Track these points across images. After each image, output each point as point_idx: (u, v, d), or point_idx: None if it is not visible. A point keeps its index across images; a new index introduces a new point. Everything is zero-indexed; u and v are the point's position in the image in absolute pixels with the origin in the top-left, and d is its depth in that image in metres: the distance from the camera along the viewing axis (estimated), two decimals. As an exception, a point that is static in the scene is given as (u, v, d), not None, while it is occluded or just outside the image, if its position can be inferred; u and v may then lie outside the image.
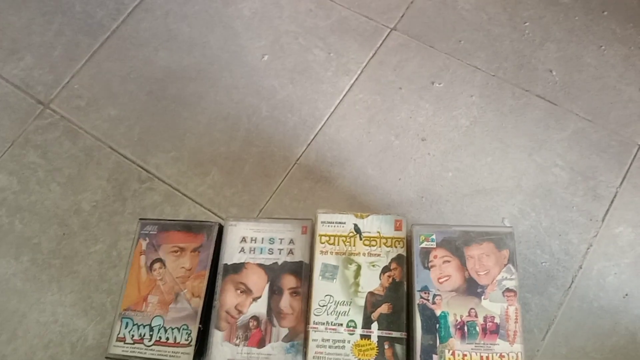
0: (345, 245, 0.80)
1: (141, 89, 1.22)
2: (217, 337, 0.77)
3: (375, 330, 0.75)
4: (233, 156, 1.14)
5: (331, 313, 0.76)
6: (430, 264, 0.77)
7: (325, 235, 0.81)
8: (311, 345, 0.75)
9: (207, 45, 1.26)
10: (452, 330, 0.73)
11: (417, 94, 1.16)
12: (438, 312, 0.74)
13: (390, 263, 0.78)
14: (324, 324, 0.76)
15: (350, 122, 1.15)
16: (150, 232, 0.86)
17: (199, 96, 1.21)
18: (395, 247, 0.79)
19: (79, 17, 1.32)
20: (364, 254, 0.79)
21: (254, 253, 0.81)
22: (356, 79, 1.19)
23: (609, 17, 1.21)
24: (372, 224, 0.81)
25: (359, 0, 1.27)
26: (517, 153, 1.10)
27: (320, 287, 0.78)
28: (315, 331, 0.75)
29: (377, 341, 0.74)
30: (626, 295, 0.98)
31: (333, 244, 0.80)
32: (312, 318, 0.77)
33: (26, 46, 1.29)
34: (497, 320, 0.74)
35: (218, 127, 1.17)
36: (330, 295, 0.77)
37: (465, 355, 0.72)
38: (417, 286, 0.76)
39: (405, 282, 0.78)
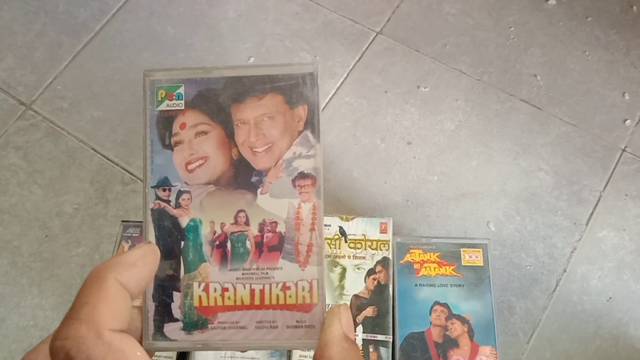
0: (331, 247, 0.79)
1: (125, 91, 1.21)
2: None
3: (360, 334, 0.74)
4: (218, 159, 1.13)
5: None
6: (174, 140, 0.41)
7: None
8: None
9: (192, 47, 1.25)
10: (206, 249, 0.40)
11: (403, 98, 1.17)
12: (184, 222, 0.40)
13: (375, 266, 0.78)
14: None
15: (336, 125, 1.15)
16: (133, 235, 0.84)
17: (184, 98, 1.19)
18: (381, 249, 0.79)
19: (62, 18, 1.30)
20: (349, 257, 0.78)
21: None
22: (342, 82, 1.19)
23: (593, 23, 1.22)
24: (358, 227, 0.80)
25: (345, 3, 1.27)
26: (502, 157, 1.10)
27: None
28: None
29: (362, 344, 0.74)
30: (610, 298, 0.98)
31: None
32: None
33: (8, 46, 1.27)
34: (280, 229, 0.40)
35: (203, 129, 1.16)
36: None
37: (227, 289, 0.39)
38: (151, 179, 0.39)
39: (390, 285, 0.77)
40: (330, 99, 1.18)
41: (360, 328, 0.75)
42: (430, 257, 0.79)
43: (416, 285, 0.77)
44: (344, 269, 0.78)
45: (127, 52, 1.25)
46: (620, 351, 0.95)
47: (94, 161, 1.14)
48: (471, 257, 0.78)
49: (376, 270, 0.77)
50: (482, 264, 0.78)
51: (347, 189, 1.08)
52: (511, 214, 1.05)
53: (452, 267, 0.78)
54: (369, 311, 0.75)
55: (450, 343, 0.74)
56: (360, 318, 0.75)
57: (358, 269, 0.78)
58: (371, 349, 0.73)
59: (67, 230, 1.08)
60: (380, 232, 0.80)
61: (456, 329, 0.74)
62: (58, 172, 1.13)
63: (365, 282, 0.77)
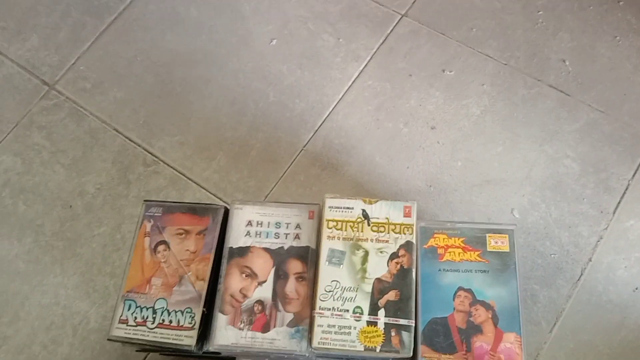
0: (353, 231, 0.78)
1: (147, 72, 1.21)
2: (221, 320, 0.76)
3: (382, 317, 0.74)
4: (239, 141, 1.12)
5: (337, 299, 0.75)
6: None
7: (332, 221, 0.80)
8: (317, 331, 0.73)
9: (215, 29, 1.25)
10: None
11: (427, 82, 1.15)
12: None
13: (398, 250, 0.77)
14: (330, 309, 0.75)
15: (359, 109, 1.13)
16: (155, 214, 0.84)
17: (206, 80, 1.19)
18: (404, 233, 0.78)
19: (85, -1, 1.30)
20: (371, 240, 0.78)
21: (260, 237, 0.80)
22: (365, 65, 1.18)
23: (625, 7, 1.19)
24: (381, 210, 0.79)
25: (369, -15, 1.26)
26: (528, 143, 1.08)
27: (327, 273, 0.77)
28: (321, 317, 0.73)
29: (384, 328, 0.73)
30: (636, 289, 0.96)
31: (340, 229, 0.78)
32: (318, 303, 0.75)
33: (32, 27, 1.28)
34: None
35: (224, 111, 1.16)
36: (337, 281, 0.75)
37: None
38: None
39: (414, 270, 0.76)
40: (354, 82, 1.16)
41: (382, 312, 0.74)
42: (455, 242, 0.77)
43: (440, 270, 0.76)
44: (367, 252, 0.77)
45: (150, 34, 1.25)
46: (646, 342, 0.93)
47: (117, 142, 1.14)
48: (497, 243, 0.77)
49: (399, 255, 0.76)
50: (508, 250, 0.76)
51: (368, 174, 1.07)
52: (536, 202, 1.03)
53: (477, 253, 0.76)
54: (391, 295, 0.74)
55: (474, 329, 0.73)
56: (382, 302, 0.75)
57: (381, 252, 0.77)
58: (393, 333, 0.73)
59: (89, 210, 1.08)
60: (404, 216, 0.79)
61: (480, 314, 0.73)
62: (81, 152, 1.14)
63: (387, 265, 0.76)
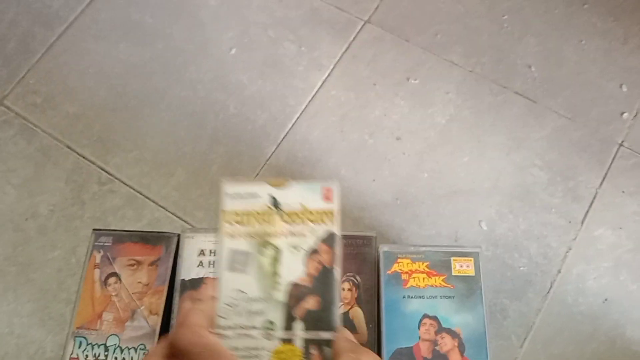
0: (260, 224, 0.60)
1: (101, 85, 1.16)
2: (175, 358, 0.73)
3: (299, 332, 0.57)
4: (199, 156, 1.08)
5: (242, 314, 0.58)
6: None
7: (233, 213, 0.61)
8: None
9: (171, 37, 1.19)
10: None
11: (392, 91, 1.12)
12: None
13: (317, 245, 0.59)
14: (232, 328, 0.57)
15: (323, 120, 1.10)
16: (105, 244, 0.80)
17: (162, 92, 1.14)
18: (324, 223, 0.60)
19: (35, 7, 1.24)
20: (283, 235, 0.59)
21: (213, 267, 0.76)
22: (329, 74, 1.14)
23: (590, 10, 1.17)
24: (294, 195, 0.60)
25: (331, -10, 1.22)
26: (495, 152, 1.06)
27: (228, 282, 0.58)
28: (221, 339, 0.56)
29: (303, 345, 0.56)
30: (606, 300, 0.95)
31: (244, 223, 0.60)
32: (218, 320, 0.57)
33: (-23, 38, 1.21)
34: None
35: (183, 124, 1.11)
36: (241, 291, 0.58)
37: None
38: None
39: (336, 269, 0.59)
40: (317, 92, 1.12)
41: (299, 325, 0.57)
42: (419, 266, 0.75)
43: (404, 297, 0.73)
44: (278, 251, 0.60)
45: (103, 44, 1.19)
46: (617, 354, 0.92)
47: (70, 159, 1.09)
48: (462, 267, 0.74)
49: (319, 251, 0.59)
50: (473, 274, 0.74)
51: (334, 187, 1.04)
52: (504, 212, 1.01)
53: (442, 278, 0.74)
54: (310, 302, 0.53)
55: (440, 359, 0.70)
56: (299, 312, 0.58)
57: (296, 249, 0.55)
58: (313, 351, 0.56)
59: (42, 232, 1.03)
60: (324, 200, 0.59)
61: (446, 343, 0.71)
62: (32, 171, 1.08)
63: (305, 266, 0.58)
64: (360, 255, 0.79)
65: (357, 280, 0.77)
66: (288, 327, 0.58)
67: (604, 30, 1.15)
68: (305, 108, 1.11)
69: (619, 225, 1.00)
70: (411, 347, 0.71)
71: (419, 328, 0.72)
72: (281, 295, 0.59)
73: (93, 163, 1.08)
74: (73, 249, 1.02)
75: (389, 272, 0.74)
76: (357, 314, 0.75)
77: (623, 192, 1.02)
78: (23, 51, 1.20)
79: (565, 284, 0.96)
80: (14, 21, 1.23)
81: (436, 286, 0.74)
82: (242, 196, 0.60)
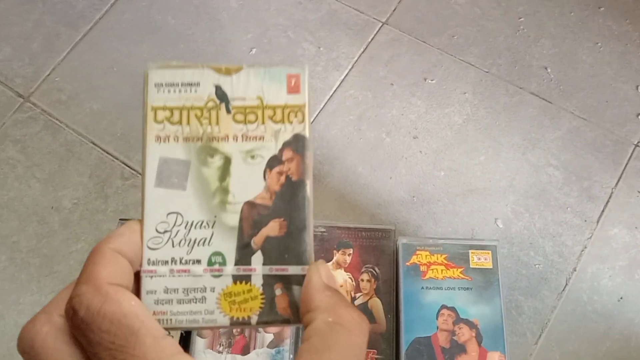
0: (202, 124, 0.44)
1: (124, 83, 1.19)
2: (199, 344, 0.74)
3: (258, 267, 0.41)
4: (219, 153, 1.10)
5: (180, 244, 0.42)
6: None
7: (164, 109, 0.43)
8: (146, 299, 0.41)
9: (192, 38, 1.22)
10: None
11: (409, 91, 1.13)
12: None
13: (281, 151, 0.43)
14: (167, 262, 0.41)
15: (341, 118, 1.12)
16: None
17: (185, 90, 1.17)
18: (290, 122, 0.47)
19: (59, 7, 1.27)
20: (235, 138, 0.44)
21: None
22: (346, 74, 1.16)
23: (605, 13, 1.18)
24: (249, 85, 0.44)
25: (350, -8, 1.24)
26: (511, 152, 1.07)
27: (159, 201, 0.42)
28: (151, 277, 0.41)
29: (262, 284, 0.41)
30: (620, 298, 0.96)
31: (179, 122, 0.44)
32: (146, 255, 0.41)
33: (4, 37, 1.24)
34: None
35: (204, 122, 1.13)
36: (178, 214, 0.43)
37: None
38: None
39: (307, 182, 0.42)
40: (335, 91, 1.15)
41: (258, 257, 0.41)
42: (438, 259, 0.76)
43: (422, 288, 0.75)
44: (228, 159, 0.40)
45: (126, 43, 1.23)
46: (632, 352, 0.93)
47: (93, 155, 1.12)
48: (480, 259, 0.76)
49: (283, 159, 0.44)
50: (491, 267, 0.75)
51: (351, 185, 1.06)
52: (520, 211, 1.02)
53: (460, 270, 0.75)
54: (272, 228, 0.45)
55: (458, 348, 0.72)
56: (258, 240, 0.42)
57: (252, 157, 0.43)
58: (278, 291, 0.40)
59: (66, 225, 1.06)
60: (289, 92, 0.48)
61: (464, 333, 0.72)
62: (56, 166, 1.11)
63: (264, 178, 0.44)
64: (379, 248, 0.80)
65: (376, 272, 0.79)
66: (243, 261, 0.42)
67: (620, 33, 1.16)
68: (323, 107, 1.13)
69: (635, 225, 1.00)
70: (429, 336, 0.72)
71: (437, 318, 0.73)
72: (233, 218, 0.43)
73: (116, 158, 1.11)
74: (96, 242, 1.03)
75: (407, 263, 0.76)
76: (376, 305, 0.77)
77: (638, 192, 1.03)
78: (48, 50, 1.23)
79: (580, 282, 0.97)
80: (39, 21, 1.26)
81: (454, 278, 0.75)
82: (177, 86, 0.44)
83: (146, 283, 0.40)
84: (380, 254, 0.80)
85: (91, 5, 1.27)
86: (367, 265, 0.79)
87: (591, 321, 0.95)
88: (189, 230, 0.42)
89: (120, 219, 0.86)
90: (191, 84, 0.43)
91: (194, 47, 1.21)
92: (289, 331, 0.74)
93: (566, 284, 0.97)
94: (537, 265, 0.98)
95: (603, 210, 1.02)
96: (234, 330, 0.74)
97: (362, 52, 1.18)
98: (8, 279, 1.02)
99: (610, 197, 1.03)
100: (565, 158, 1.06)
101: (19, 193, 1.09)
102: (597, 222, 1.01)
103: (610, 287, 0.97)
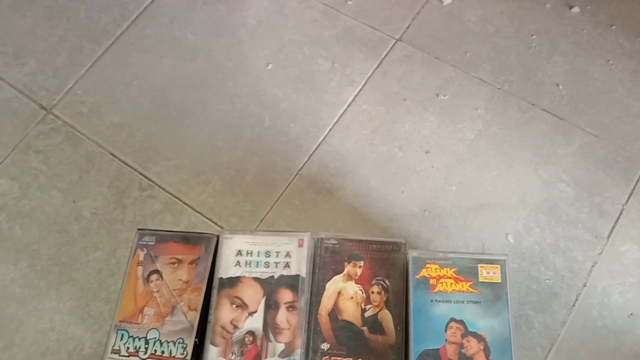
0: None
1: (144, 96, 1.22)
2: (212, 352, 0.76)
3: None
4: (235, 165, 1.13)
5: None
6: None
7: None
8: None
9: (211, 53, 1.26)
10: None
11: (422, 106, 1.15)
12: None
13: None
14: None
15: (354, 133, 1.14)
16: (148, 243, 0.85)
17: (202, 104, 1.20)
18: None
19: (83, 23, 1.31)
20: None
21: (249, 266, 0.80)
22: (360, 89, 1.18)
23: (617, 31, 1.20)
24: None
25: (364, 10, 1.27)
26: (522, 167, 1.08)
27: None
28: None
29: None
30: (631, 314, 0.96)
31: None
32: None
33: (30, 51, 1.29)
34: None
35: (220, 135, 1.16)
36: None
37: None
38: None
39: None
40: (349, 106, 1.17)
41: None
42: (447, 272, 0.77)
43: (432, 301, 0.76)
44: None
45: (147, 58, 1.26)
46: (642, 369, 0.93)
47: (113, 166, 1.15)
48: (489, 273, 0.77)
49: None
50: (499, 281, 0.77)
51: (363, 198, 1.07)
52: (531, 226, 1.03)
53: (469, 283, 0.77)
54: None
55: (466, 361, 0.73)
56: None
57: None
58: None
59: (84, 234, 1.09)
60: None
61: (472, 346, 0.73)
62: (77, 177, 1.14)
63: None
64: (390, 260, 0.82)
65: (386, 284, 0.81)
66: None
67: (632, 50, 1.17)
68: (337, 121, 1.16)
69: (645, 242, 1.01)
70: (438, 349, 0.74)
71: (445, 331, 0.74)
72: None
73: (135, 170, 1.14)
74: (114, 251, 1.07)
75: (417, 276, 0.77)
76: (386, 317, 0.78)
77: (649, 209, 1.03)
78: (71, 64, 1.27)
79: (591, 298, 0.98)
80: (63, 36, 1.30)
81: (463, 291, 0.76)
82: None
83: None
84: (391, 267, 0.82)
85: (113, 21, 1.31)
86: (377, 278, 0.81)
87: (601, 337, 0.95)
88: None
89: (138, 229, 0.89)
90: None
91: (213, 62, 1.24)
92: (299, 341, 0.75)
93: (576, 299, 0.98)
94: (547, 281, 0.99)
95: (614, 227, 1.02)
96: (246, 339, 0.76)
97: (376, 67, 1.20)
98: (28, 286, 1.05)
99: (621, 214, 1.03)
100: (577, 174, 1.07)
101: (41, 202, 1.13)
102: (608, 238, 1.02)
103: (621, 303, 0.97)
